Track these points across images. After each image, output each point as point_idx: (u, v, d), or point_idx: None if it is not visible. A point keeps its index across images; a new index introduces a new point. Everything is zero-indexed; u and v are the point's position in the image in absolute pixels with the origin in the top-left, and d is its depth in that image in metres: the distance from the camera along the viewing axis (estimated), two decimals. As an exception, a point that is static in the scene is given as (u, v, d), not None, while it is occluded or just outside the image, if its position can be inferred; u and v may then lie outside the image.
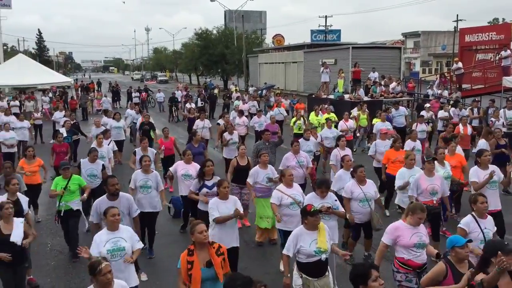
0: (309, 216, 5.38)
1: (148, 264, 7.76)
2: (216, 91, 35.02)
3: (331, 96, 21.84)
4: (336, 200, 6.71)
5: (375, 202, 7.56)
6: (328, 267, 5.56)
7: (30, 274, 7.20)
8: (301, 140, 10.94)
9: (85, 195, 8.14)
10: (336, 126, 14.22)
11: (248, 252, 8.19)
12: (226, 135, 12.45)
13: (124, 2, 47.92)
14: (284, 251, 5.48)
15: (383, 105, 20.07)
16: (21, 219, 6.29)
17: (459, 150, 9.68)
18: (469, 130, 13.06)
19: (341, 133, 12.93)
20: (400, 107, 16.78)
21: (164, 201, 8.36)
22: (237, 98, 25.18)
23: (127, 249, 5.37)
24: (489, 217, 5.84)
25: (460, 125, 13.03)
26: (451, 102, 18.89)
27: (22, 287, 6.39)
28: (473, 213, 5.82)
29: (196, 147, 10.78)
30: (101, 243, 5.29)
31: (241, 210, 6.52)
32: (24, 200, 7.15)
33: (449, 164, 8.65)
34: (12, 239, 5.98)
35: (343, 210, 6.83)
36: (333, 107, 18.37)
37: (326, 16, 56.41)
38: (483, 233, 5.61)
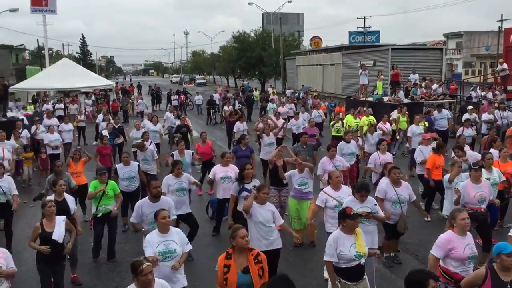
0: (348, 219, 5.31)
1: (187, 264, 7.85)
2: (257, 93, 34.86)
3: (370, 99, 21.56)
4: (375, 205, 6.62)
5: (413, 204, 7.49)
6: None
7: (74, 272, 7.45)
8: (342, 143, 11.00)
9: (115, 208, 8.24)
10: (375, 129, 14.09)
11: (286, 255, 8.17)
12: (264, 136, 12.58)
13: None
14: (326, 258, 5.36)
15: (424, 108, 19.64)
16: (63, 217, 6.50)
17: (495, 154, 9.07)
18: None
19: (382, 137, 12.77)
20: (443, 109, 16.32)
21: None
22: (271, 101, 25.08)
23: (178, 252, 5.48)
24: None
25: None
26: (496, 104, 18.28)
27: (60, 285, 6.55)
28: None
29: (244, 150, 10.78)
30: (154, 244, 5.40)
31: (279, 217, 6.53)
32: (70, 200, 7.39)
33: (497, 170, 8.31)
34: (54, 236, 6.23)
35: (383, 214, 6.74)
36: (372, 109, 18.11)
37: (364, 17, 55.87)
38: None
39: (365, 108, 17.07)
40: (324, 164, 9.26)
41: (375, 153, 10.18)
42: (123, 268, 7.74)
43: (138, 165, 9.73)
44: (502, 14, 51.97)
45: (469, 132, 12.99)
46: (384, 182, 7.52)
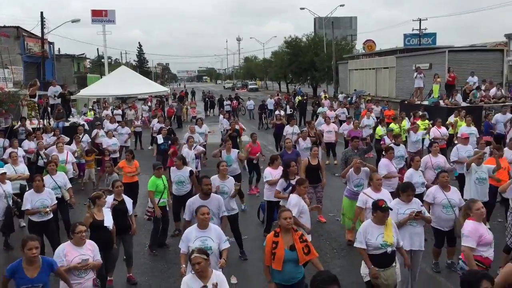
0: (379, 211, 5.62)
1: (238, 267, 7.96)
2: (297, 98, 33.85)
3: (426, 102, 20.99)
4: (422, 206, 6.58)
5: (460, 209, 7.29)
6: (396, 258, 5.74)
7: (130, 272, 7.72)
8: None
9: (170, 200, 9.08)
10: (428, 133, 13.81)
11: (334, 256, 8.09)
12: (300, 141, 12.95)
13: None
14: (356, 244, 5.74)
15: (483, 111, 18.90)
16: (108, 208, 6.99)
17: None
18: None
19: (435, 140, 12.44)
20: (508, 113, 15.65)
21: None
22: (321, 105, 25.52)
23: (214, 249, 5.65)
24: None
25: None
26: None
27: (112, 267, 7.15)
28: None
29: (289, 154, 10.87)
30: (190, 240, 5.66)
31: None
32: (128, 201, 7.69)
33: None
34: (105, 223, 6.73)
35: (429, 215, 6.72)
36: (428, 113, 17.62)
37: (420, 19, 54.14)
38: None
39: (420, 112, 16.64)
40: (388, 166, 9.29)
41: (427, 156, 9.98)
42: (176, 269, 7.90)
43: (191, 171, 9.76)
44: None
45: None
46: (433, 187, 7.47)
